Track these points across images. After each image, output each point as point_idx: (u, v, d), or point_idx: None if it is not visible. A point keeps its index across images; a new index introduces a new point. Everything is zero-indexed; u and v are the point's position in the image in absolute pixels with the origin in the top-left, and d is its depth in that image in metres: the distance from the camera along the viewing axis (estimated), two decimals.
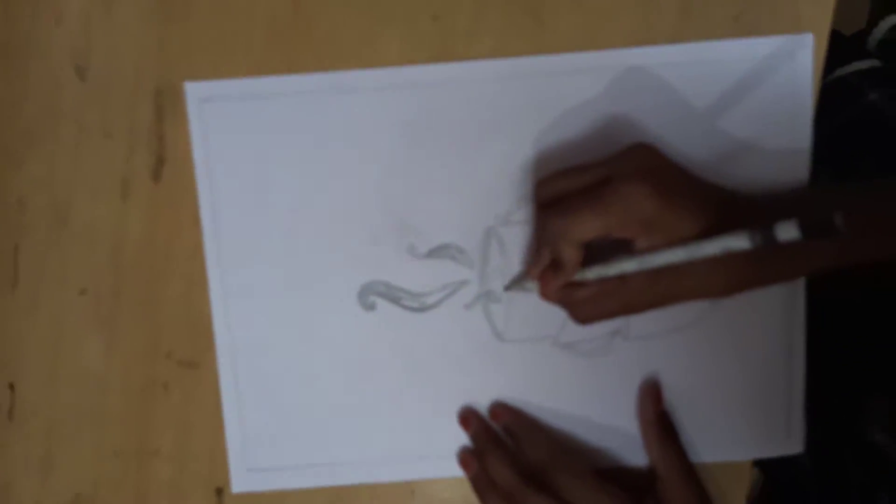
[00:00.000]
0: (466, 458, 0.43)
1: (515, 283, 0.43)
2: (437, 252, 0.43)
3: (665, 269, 0.35)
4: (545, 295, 0.39)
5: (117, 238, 0.44)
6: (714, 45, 0.42)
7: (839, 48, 0.45)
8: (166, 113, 0.43)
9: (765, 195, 0.41)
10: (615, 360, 0.43)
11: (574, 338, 0.43)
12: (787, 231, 0.30)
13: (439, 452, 0.44)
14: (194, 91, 0.43)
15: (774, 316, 0.43)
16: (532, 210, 0.43)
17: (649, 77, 0.42)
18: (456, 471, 0.44)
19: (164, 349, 0.44)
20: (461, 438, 0.44)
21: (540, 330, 0.43)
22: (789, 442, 0.44)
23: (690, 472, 0.41)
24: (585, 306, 0.38)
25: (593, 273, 0.37)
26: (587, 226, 0.36)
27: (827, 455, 0.49)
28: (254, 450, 0.44)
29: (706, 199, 0.36)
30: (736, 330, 0.43)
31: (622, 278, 0.37)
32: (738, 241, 0.32)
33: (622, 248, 0.37)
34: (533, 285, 0.40)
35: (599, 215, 0.35)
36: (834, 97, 0.51)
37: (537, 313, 0.43)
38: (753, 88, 0.42)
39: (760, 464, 0.45)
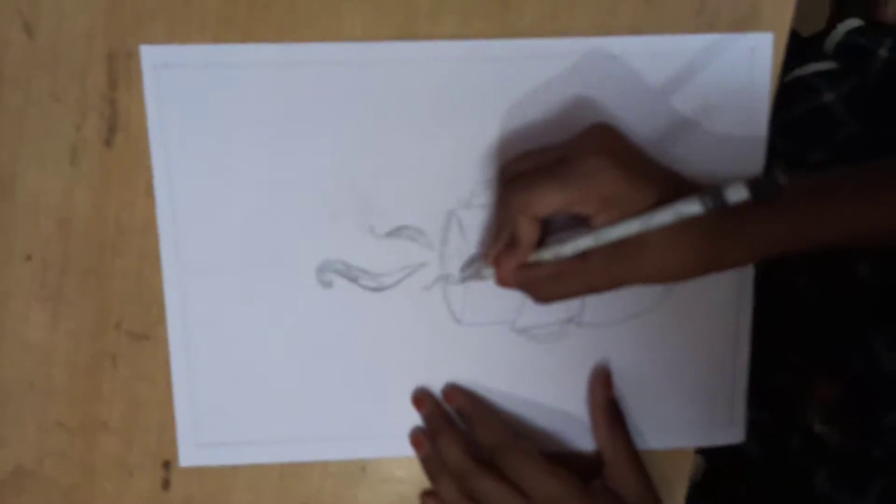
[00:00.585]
0: (418, 438, 0.44)
1: (471, 271, 0.43)
2: (396, 233, 0.43)
3: (623, 248, 0.36)
4: (502, 279, 0.40)
5: (66, 207, 0.42)
6: (677, 38, 0.42)
7: (798, 48, 0.46)
8: (119, 78, 0.41)
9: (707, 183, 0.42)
10: (568, 345, 0.44)
11: (530, 323, 0.44)
12: (736, 192, 0.31)
13: (391, 432, 0.44)
14: (150, 55, 0.41)
15: (723, 305, 0.44)
16: (496, 192, 0.43)
17: (611, 65, 0.42)
18: (407, 450, 0.44)
19: (114, 320, 0.43)
20: (414, 419, 0.44)
21: (497, 314, 0.44)
22: (731, 431, 0.45)
23: (636, 459, 0.42)
24: (545, 284, 0.38)
25: (549, 252, 0.38)
26: (547, 199, 0.36)
27: (772, 442, 0.51)
28: (204, 424, 0.44)
29: (660, 176, 0.37)
30: (686, 318, 0.44)
31: (582, 257, 0.37)
32: (690, 206, 0.33)
33: (579, 230, 0.37)
34: (490, 272, 0.40)
35: (559, 188, 0.36)
36: (791, 95, 0.52)
37: (495, 298, 0.43)
38: (713, 83, 0.42)
39: (703, 449, 0.46)
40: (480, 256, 0.43)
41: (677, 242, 0.36)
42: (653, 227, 0.34)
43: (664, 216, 0.34)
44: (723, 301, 0.44)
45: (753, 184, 0.30)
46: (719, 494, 0.56)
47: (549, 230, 0.39)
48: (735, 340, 0.45)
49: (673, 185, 0.37)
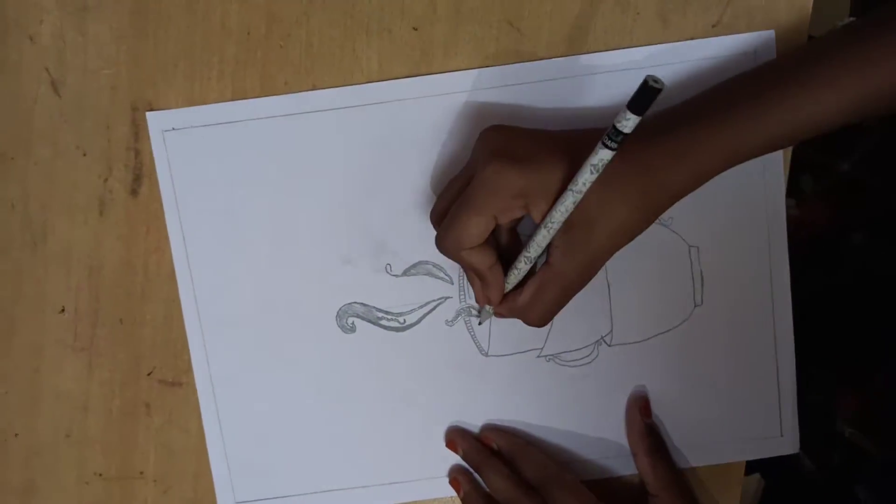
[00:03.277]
0: (456, 478, 0.43)
1: (482, 314, 0.42)
2: (414, 269, 0.43)
3: (575, 231, 0.35)
4: (498, 313, 0.40)
5: (95, 257, 0.43)
6: (686, 45, 0.41)
7: None
8: (142, 128, 0.42)
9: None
10: (600, 368, 0.43)
11: (559, 348, 0.43)
12: (624, 118, 0.30)
13: (428, 474, 0.44)
14: (156, 121, 0.42)
15: (758, 309, 0.43)
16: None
17: (622, 80, 0.42)
18: (446, 491, 0.43)
19: (146, 368, 0.43)
20: (450, 458, 0.43)
21: (524, 342, 0.43)
22: (784, 441, 0.43)
23: (681, 485, 0.41)
24: (532, 307, 0.37)
25: (522, 263, 0.37)
26: (472, 225, 0.35)
27: (816, 456, 0.50)
28: (240, 480, 0.43)
29: (558, 146, 0.36)
30: (719, 327, 0.43)
31: (547, 264, 0.36)
32: (599, 154, 0.32)
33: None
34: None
35: (476, 210, 0.35)
36: None
37: (520, 325, 0.42)
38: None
39: (762, 469, 0.45)
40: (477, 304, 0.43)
41: (617, 195, 0.35)
42: (582, 189, 0.33)
43: (584, 175, 0.33)
44: (757, 305, 0.43)
45: (632, 102, 0.30)
46: None
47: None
48: (776, 345, 0.43)
49: (572, 144, 0.36)
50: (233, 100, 0.42)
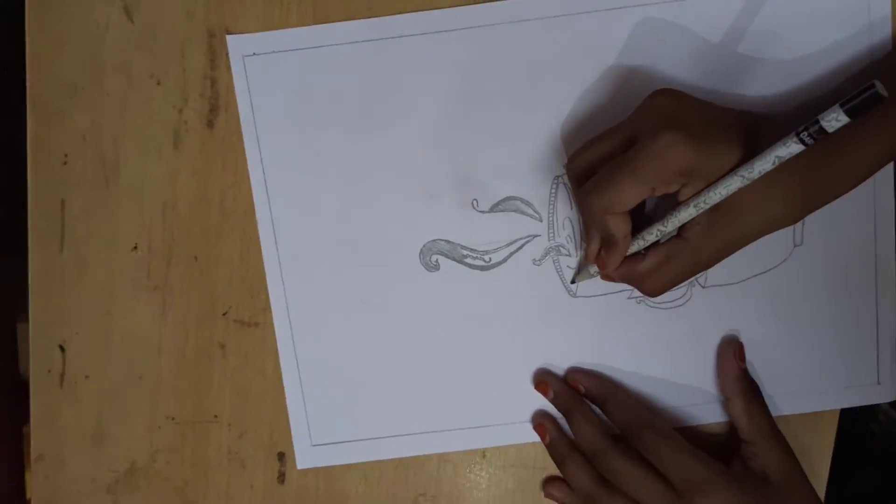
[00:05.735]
0: (541, 424, 0.41)
1: (580, 274, 0.41)
2: (501, 206, 0.41)
3: (721, 212, 0.34)
4: (607, 277, 0.38)
5: (169, 193, 0.41)
6: None
7: None
8: (219, 56, 0.40)
9: (782, 110, 0.40)
10: (692, 310, 0.41)
11: None
12: (834, 118, 0.29)
13: (512, 418, 0.42)
14: (237, 45, 0.40)
15: (859, 249, 0.41)
16: (571, 191, 0.41)
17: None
18: (529, 436, 0.42)
19: (221, 308, 0.42)
20: (534, 402, 0.42)
21: (614, 283, 0.41)
22: (879, 389, 0.42)
23: (777, 434, 0.39)
24: (652, 277, 0.36)
25: (652, 235, 0.36)
26: (628, 193, 0.34)
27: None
28: (317, 424, 0.42)
29: (735, 128, 0.35)
30: (818, 269, 0.41)
31: (680, 236, 0.35)
32: (789, 148, 0.31)
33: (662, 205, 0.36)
34: (597, 269, 0.39)
35: (638, 179, 0.34)
36: None
37: None
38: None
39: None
40: (582, 259, 0.41)
41: (777, 187, 0.34)
42: (753, 178, 0.32)
43: (763, 165, 0.32)
44: (860, 246, 0.41)
45: (849, 103, 0.28)
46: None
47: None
48: (877, 288, 0.41)
49: (751, 129, 0.35)
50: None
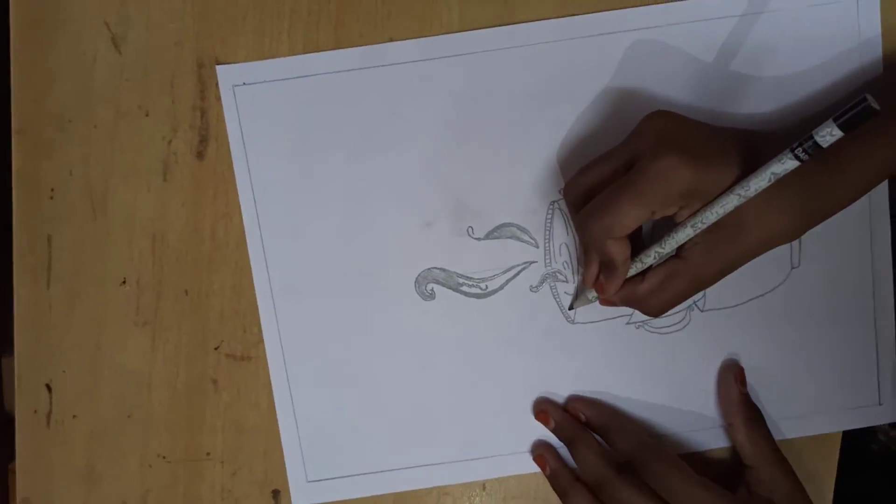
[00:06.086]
0: (542, 454, 0.41)
1: (578, 300, 0.41)
2: (497, 232, 0.41)
3: (721, 230, 0.34)
4: (607, 301, 0.38)
5: (159, 224, 0.40)
6: None
7: None
8: (208, 86, 0.40)
9: (777, 127, 0.40)
10: (691, 334, 0.41)
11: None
12: (828, 132, 0.29)
13: (511, 449, 0.41)
14: (226, 75, 0.40)
15: (856, 272, 0.41)
16: (569, 215, 0.40)
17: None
18: (529, 467, 0.41)
19: (213, 342, 0.41)
20: (533, 433, 0.41)
21: (613, 309, 0.41)
22: (882, 410, 0.42)
23: (780, 458, 0.39)
24: (653, 297, 0.36)
25: (650, 258, 0.36)
26: (629, 217, 0.34)
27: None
28: (313, 458, 0.41)
29: (731, 146, 0.34)
30: (816, 291, 0.41)
31: (680, 256, 0.35)
32: (784, 164, 0.31)
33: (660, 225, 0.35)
34: (595, 295, 0.38)
35: (637, 204, 0.33)
36: None
37: None
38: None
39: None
40: (580, 284, 0.41)
41: (776, 203, 0.34)
42: (750, 196, 0.32)
43: (759, 182, 0.32)
44: (857, 267, 0.41)
45: (841, 117, 0.28)
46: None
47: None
48: (875, 308, 0.41)
49: (748, 147, 0.35)
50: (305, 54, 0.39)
